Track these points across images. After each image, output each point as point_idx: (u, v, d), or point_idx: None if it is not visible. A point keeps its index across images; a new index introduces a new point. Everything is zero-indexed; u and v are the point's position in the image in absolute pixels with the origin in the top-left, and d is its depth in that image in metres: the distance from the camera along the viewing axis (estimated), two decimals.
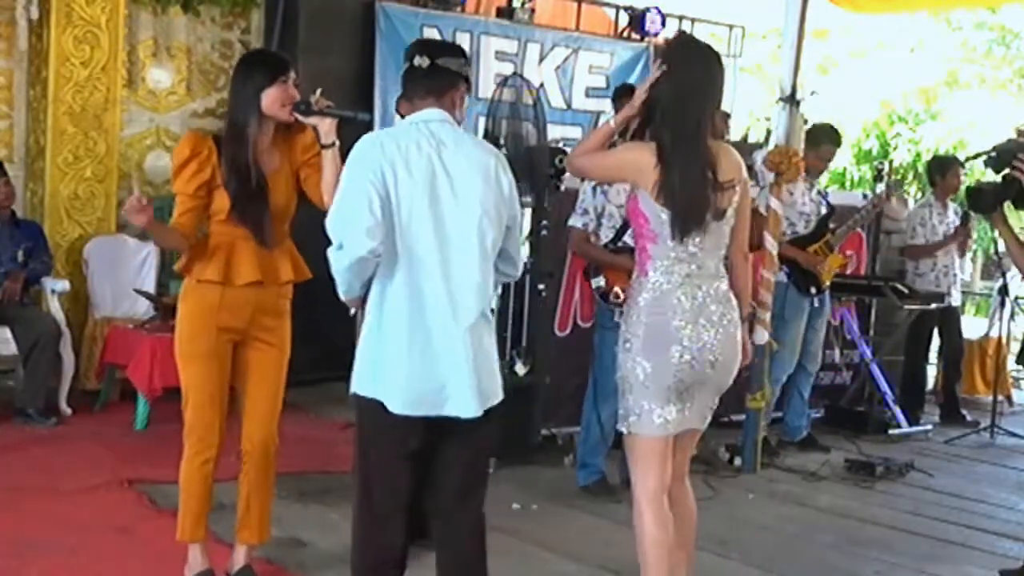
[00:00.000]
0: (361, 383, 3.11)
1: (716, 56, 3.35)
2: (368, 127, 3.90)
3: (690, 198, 3.23)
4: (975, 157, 4.44)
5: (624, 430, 3.40)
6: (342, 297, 3.16)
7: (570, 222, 5.19)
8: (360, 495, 3.18)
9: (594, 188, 5.06)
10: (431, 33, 7.75)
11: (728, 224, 3.34)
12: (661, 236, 3.26)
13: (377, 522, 3.16)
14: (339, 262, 3.02)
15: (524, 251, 3.27)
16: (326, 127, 3.57)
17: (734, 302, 3.38)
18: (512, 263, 3.27)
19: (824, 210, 6.40)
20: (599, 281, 5.01)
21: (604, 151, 3.43)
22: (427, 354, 3.01)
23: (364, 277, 3.04)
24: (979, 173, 10.04)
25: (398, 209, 2.99)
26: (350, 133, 3.59)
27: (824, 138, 6.38)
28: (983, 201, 4.33)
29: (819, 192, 6.48)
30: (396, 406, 3.02)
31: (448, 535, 3.23)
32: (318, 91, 3.61)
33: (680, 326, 3.25)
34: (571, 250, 5.56)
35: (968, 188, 4.53)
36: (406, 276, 3.02)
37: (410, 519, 3.18)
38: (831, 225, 6.37)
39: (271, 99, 3.57)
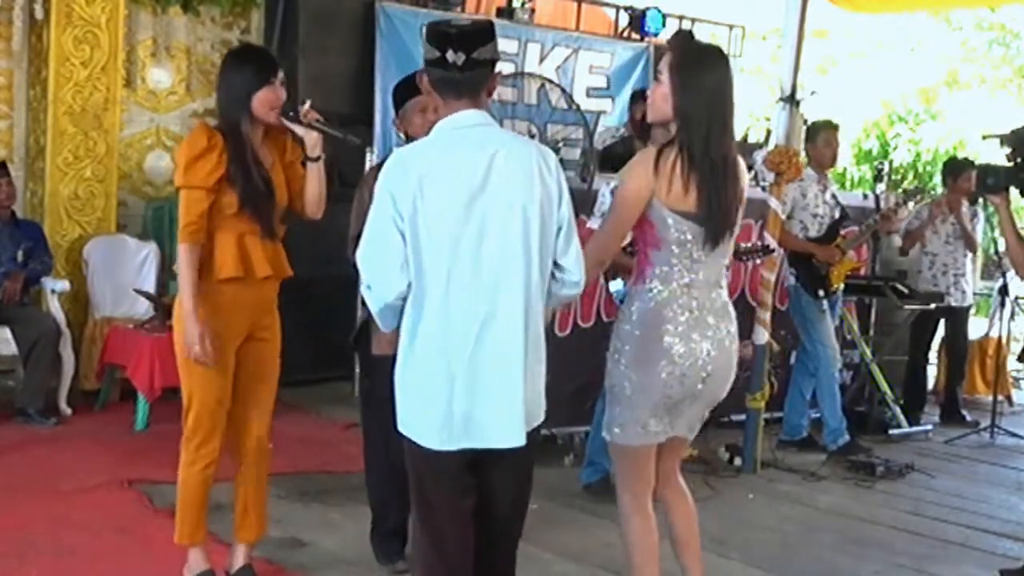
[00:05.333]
0: (402, 423, 2.88)
1: (725, 57, 3.26)
2: (358, 149, 3.75)
3: (721, 207, 3.13)
4: (993, 136, 4.43)
5: (607, 437, 3.35)
6: (382, 329, 2.97)
7: (588, 224, 5.10)
8: (428, 549, 2.90)
9: (612, 191, 5.00)
10: None
11: (733, 233, 3.25)
12: (666, 242, 3.16)
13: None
14: (372, 303, 2.84)
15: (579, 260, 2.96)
16: (313, 140, 3.53)
17: (732, 313, 3.30)
18: (569, 280, 2.93)
19: (838, 214, 6.41)
20: (617, 284, 4.94)
21: (605, 226, 3.28)
22: (467, 382, 2.77)
23: (399, 312, 2.83)
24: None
25: (431, 231, 2.72)
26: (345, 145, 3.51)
27: (819, 129, 6.41)
28: (993, 180, 4.29)
29: (833, 195, 6.48)
30: (433, 442, 2.81)
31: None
32: (307, 102, 3.54)
33: (672, 342, 3.15)
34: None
35: (979, 166, 4.51)
36: (442, 303, 2.76)
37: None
38: (842, 231, 6.39)
39: (260, 102, 3.50)
